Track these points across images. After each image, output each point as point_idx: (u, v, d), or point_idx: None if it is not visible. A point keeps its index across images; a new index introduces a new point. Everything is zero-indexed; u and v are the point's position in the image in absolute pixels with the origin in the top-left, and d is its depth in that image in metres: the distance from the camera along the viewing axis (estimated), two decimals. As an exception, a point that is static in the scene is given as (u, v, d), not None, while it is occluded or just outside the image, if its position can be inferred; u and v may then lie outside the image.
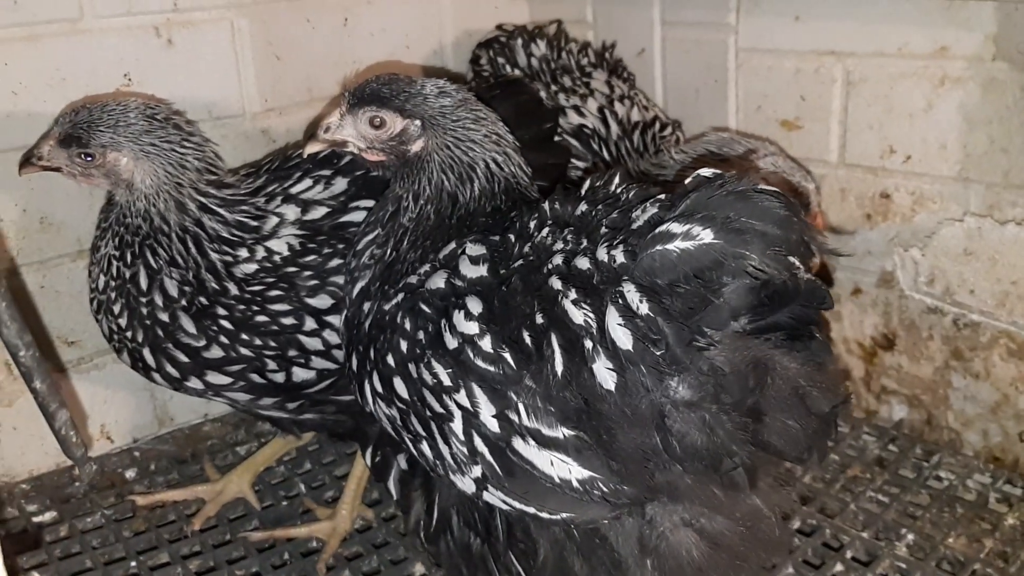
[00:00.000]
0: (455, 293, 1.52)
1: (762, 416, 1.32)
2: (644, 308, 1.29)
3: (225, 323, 2.02)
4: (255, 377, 2.08)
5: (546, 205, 1.60)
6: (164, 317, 2.02)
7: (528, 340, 1.39)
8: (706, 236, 1.26)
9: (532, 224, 1.57)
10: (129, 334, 2.06)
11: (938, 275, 2.42)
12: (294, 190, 2.13)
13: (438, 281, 1.55)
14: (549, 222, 1.56)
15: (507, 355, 1.40)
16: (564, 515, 1.45)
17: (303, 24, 2.73)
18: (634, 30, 2.95)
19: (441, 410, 1.47)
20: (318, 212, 2.10)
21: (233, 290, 2.02)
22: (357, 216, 2.08)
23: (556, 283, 1.41)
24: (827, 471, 2.43)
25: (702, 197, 1.30)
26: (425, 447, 1.54)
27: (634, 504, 1.43)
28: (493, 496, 1.48)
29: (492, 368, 1.41)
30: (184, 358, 2.05)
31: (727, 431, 1.30)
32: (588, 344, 1.33)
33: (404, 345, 1.54)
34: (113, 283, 2.06)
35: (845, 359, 2.71)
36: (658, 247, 1.28)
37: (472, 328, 1.44)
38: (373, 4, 2.86)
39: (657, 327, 1.28)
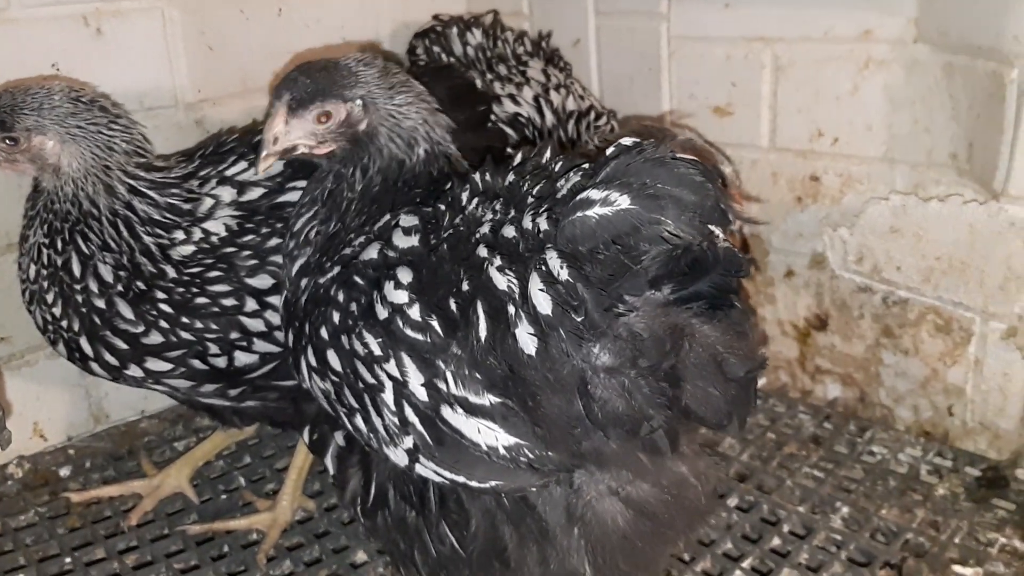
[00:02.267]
0: (387, 264, 1.52)
1: (680, 382, 1.33)
2: (564, 274, 1.30)
3: (164, 307, 1.99)
4: (196, 363, 2.05)
5: (477, 176, 1.61)
6: (100, 303, 1.98)
7: (454, 307, 1.40)
8: (623, 202, 1.27)
9: (464, 195, 1.58)
10: (64, 323, 2.02)
11: (866, 253, 2.47)
12: (229, 172, 2.11)
13: (371, 252, 1.56)
14: (480, 192, 1.57)
15: (434, 323, 1.41)
16: (493, 483, 1.45)
17: (237, 15, 2.71)
18: (569, 20, 2.98)
19: (372, 381, 1.47)
20: (255, 193, 2.09)
21: (171, 273, 2.00)
22: (294, 196, 2.06)
23: (482, 251, 1.42)
24: (764, 449, 2.48)
25: (621, 164, 1.31)
26: (359, 420, 1.54)
27: (561, 471, 1.45)
28: (425, 468, 1.49)
29: (420, 336, 1.41)
30: (123, 345, 2.01)
31: (645, 396, 1.32)
32: (511, 310, 1.34)
33: (337, 317, 1.54)
34: (45, 272, 2.02)
35: (780, 341, 2.76)
36: (578, 214, 1.30)
37: (401, 297, 1.45)
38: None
39: (576, 293, 1.29)
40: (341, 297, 1.55)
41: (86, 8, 2.44)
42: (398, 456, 1.50)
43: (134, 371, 2.06)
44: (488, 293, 1.37)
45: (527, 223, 1.40)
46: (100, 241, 1.99)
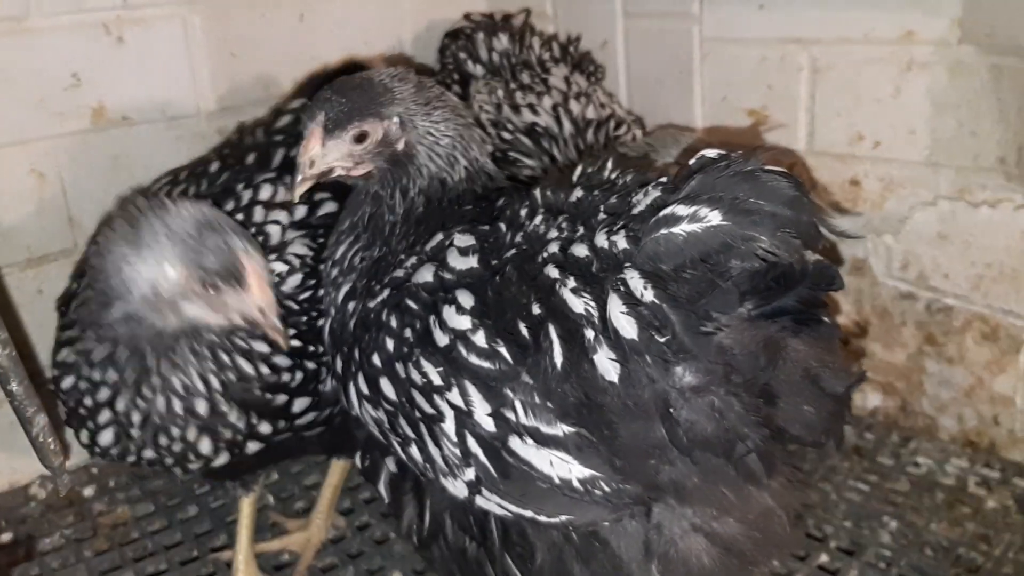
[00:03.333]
0: (444, 287, 1.45)
1: (775, 398, 1.27)
2: (649, 295, 1.24)
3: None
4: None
5: (537, 192, 1.55)
6: None
7: (524, 332, 1.33)
8: (714, 218, 1.20)
9: (523, 212, 1.52)
10: None
11: (912, 260, 2.41)
12: None
13: (425, 275, 1.49)
14: (541, 210, 1.50)
15: (502, 350, 1.34)
16: (563, 518, 1.39)
17: (258, 20, 2.66)
18: (596, 22, 2.92)
19: (432, 411, 1.41)
20: None
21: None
22: None
23: (553, 271, 1.35)
24: (806, 461, 2.42)
25: (708, 178, 1.24)
26: (414, 450, 1.48)
27: (637, 504, 1.38)
28: (488, 500, 1.42)
29: (486, 364, 1.35)
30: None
31: (738, 413, 1.25)
32: (589, 334, 1.28)
33: (391, 343, 1.48)
34: None
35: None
36: (663, 231, 1.23)
37: (464, 323, 1.38)
38: (330, 1, 2.79)
39: (663, 314, 1.23)
40: (394, 322, 1.48)
41: (107, 16, 2.39)
42: (457, 488, 1.44)
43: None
44: (562, 317, 1.31)
45: (601, 241, 1.34)
46: None
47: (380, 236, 1.66)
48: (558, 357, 1.30)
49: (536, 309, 1.34)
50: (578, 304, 1.30)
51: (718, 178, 1.24)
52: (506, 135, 2.56)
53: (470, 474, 1.40)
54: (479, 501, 1.43)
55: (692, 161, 1.31)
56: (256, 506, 2.16)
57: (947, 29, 2.21)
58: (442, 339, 1.40)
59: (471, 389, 1.36)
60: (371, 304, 1.56)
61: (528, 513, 1.40)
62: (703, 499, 1.35)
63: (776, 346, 1.25)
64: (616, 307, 1.25)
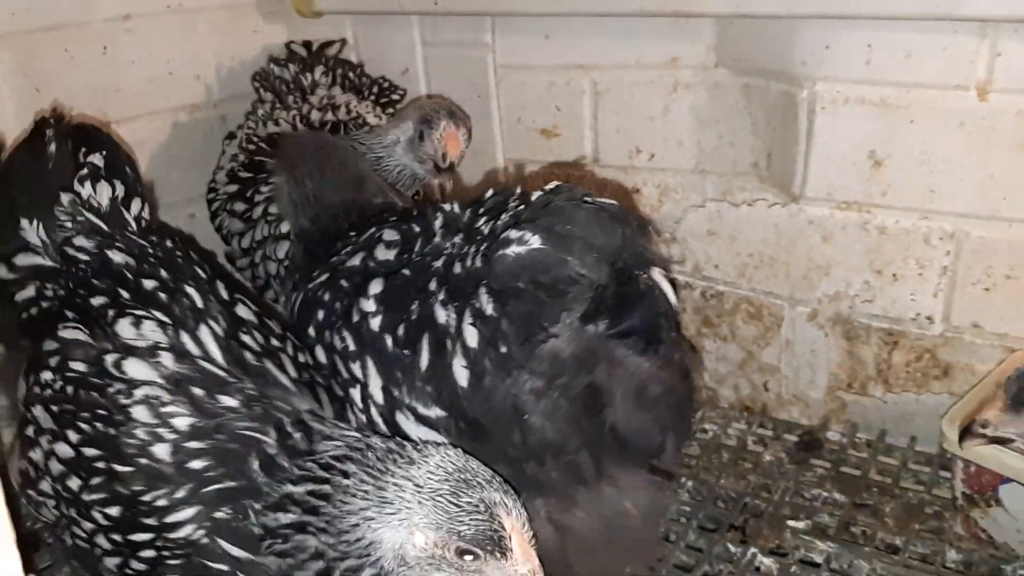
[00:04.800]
0: (367, 272, 1.63)
1: (603, 403, 1.44)
2: (489, 309, 1.41)
3: None
4: None
5: (448, 207, 1.72)
6: None
7: (404, 334, 1.51)
8: (535, 242, 1.38)
9: (436, 224, 1.68)
10: None
11: (687, 255, 2.78)
12: None
13: (355, 260, 1.67)
14: (446, 224, 1.67)
15: (388, 338, 1.51)
16: None
17: (62, 54, 2.65)
18: (396, 51, 3.11)
19: (347, 375, 1.57)
20: None
21: None
22: None
23: (432, 284, 1.53)
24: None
25: (539, 203, 1.44)
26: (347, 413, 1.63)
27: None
28: None
29: (380, 344, 1.52)
30: None
31: (566, 413, 1.42)
32: (448, 344, 1.45)
33: (322, 315, 1.64)
34: None
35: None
36: (499, 252, 1.40)
37: (370, 306, 1.56)
38: (132, 32, 2.82)
39: (499, 327, 1.40)
40: (327, 297, 1.65)
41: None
42: None
43: None
44: (432, 325, 1.48)
45: (469, 261, 1.51)
46: None
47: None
48: (424, 360, 1.47)
49: (415, 316, 1.51)
50: (443, 315, 1.47)
51: (547, 204, 1.42)
52: (251, 146, 2.76)
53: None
54: None
55: (538, 193, 1.50)
56: None
57: (705, 55, 2.59)
58: (355, 316, 1.57)
59: (369, 362, 1.53)
60: (311, 286, 1.73)
61: None
62: (558, 492, 1.50)
63: (596, 354, 1.42)
64: (467, 319, 1.43)
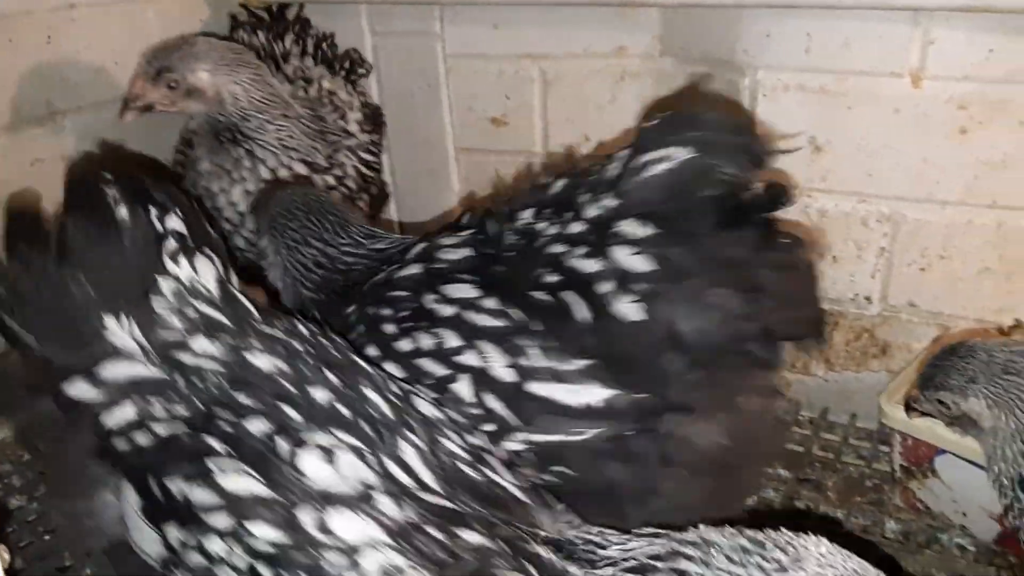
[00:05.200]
0: (438, 273, 1.65)
1: (762, 295, 1.51)
2: (645, 231, 1.48)
3: None
4: None
5: (504, 208, 1.74)
6: None
7: (542, 297, 1.55)
8: (683, 154, 1.46)
9: (495, 223, 1.72)
10: None
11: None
12: None
13: (411, 270, 1.68)
14: (530, 210, 1.69)
15: (511, 311, 1.55)
16: (590, 433, 1.55)
17: (6, 44, 2.62)
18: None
19: (445, 372, 1.57)
20: None
21: None
22: None
23: (559, 247, 1.57)
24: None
25: (667, 128, 1.51)
26: None
27: (652, 415, 1.56)
28: (512, 443, 1.57)
29: (499, 323, 1.55)
30: None
31: (739, 307, 1.48)
32: (606, 287, 1.50)
33: (389, 327, 1.63)
34: None
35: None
36: (643, 175, 1.48)
37: (470, 292, 1.59)
38: (77, 22, 2.79)
39: (661, 242, 1.47)
40: (385, 312, 1.65)
41: None
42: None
43: None
44: (577, 279, 1.53)
45: (590, 212, 1.56)
46: None
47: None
48: (582, 313, 1.51)
49: (551, 278, 1.55)
50: (592, 265, 1.52)
51: (676, 125, 1.50)
52: None
53: (489, 427, 1.55)
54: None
55: (646, 124, 1.57)
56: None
57: (651, 44, 2.64)
58: (446, 311, 1.58)
59: (486, 346, 1.55)
60: (347, 310, 1.73)
61: (555, 438, 1.55)
62: (707, 402, 1.57)
63: (751, 255, 1.51)
64: (623, 254, 1.49)
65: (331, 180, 2.72)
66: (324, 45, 3.05)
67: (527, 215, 1.69)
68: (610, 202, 1.56)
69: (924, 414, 1.91)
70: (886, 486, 2.37)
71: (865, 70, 2.27)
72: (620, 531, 1.18)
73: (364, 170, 2.83)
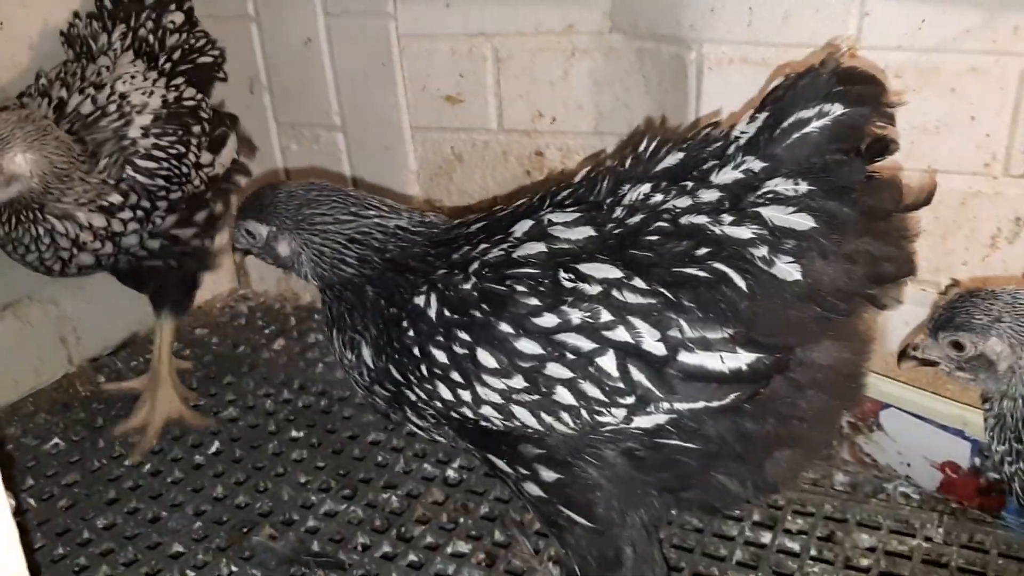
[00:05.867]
0: (565, 252, 1.66)
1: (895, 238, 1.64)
2: (803, 187, 1.55)
3: None
4: None
5: (607, 172, 1.79)
6: None
7: (696, 272, 1.59)
8: (836, 109, 1.53)
9: (604, 188, 1.77)
10: None
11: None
12: None
13: (533, 248, 1.68)
14: (626, 185, 1.73)
15: (661, 288, 1.59)
16: (732, 397, 1.62)
17: None
18: (299, 21, 3.13)
19: (593, 346, 1.60)
20: None
21: None
22: None
23: (698, 219, 1.61)
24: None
25: (810, 86, 1.56)
26: (564, 393, 1.63)
27: (781, 369, 1.64)
28: (653, 415, 1.64)
29: (651, 300, 1.59)
30: None
31: (876, 249, 1.59)
32: (761, 251, 1.57)
33: (528, 302, 1.64)
34: None
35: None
36: (796, 134, 1.55)
37: (614, 272, 1.61)
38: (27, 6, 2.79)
39: (821, 196, 1.55)
40: (520, 287, 1.65)
41: None
42: (615, 416, 1.64)
43: None
44: (730, 248, 1.58)
45: (725, 178, 1.62)
46: None
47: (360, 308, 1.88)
48: (739, 282, 1.57)
49: (701, 251, 1.59)
50: (744, 232, 1.57)
51: (817, 83, 1.56)
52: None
53: (629, 400, 1.61)
54: (638, 421, 1.64)
55: (774, 86, 1.64)
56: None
57: (600, 21, 2.70)
58: (593, 289, 1.61)
59: (637, 321, 1.58)
60: (458, 288, 1.71)
61: (699, 405, 1.62)
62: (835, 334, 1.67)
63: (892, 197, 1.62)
64: (780, 214, 1.56)
65: (116, 200, 2.51)
66: (154, 37, 2.85)
67: (643, 189, 1.70)
68: (755, 164, 1.61)
69: (924, 362, 1.94)
70: (835, 441, 2.48)
71: (804, 42, 2.35)
72: None
73: (147, 180, 2.56)
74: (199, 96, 2.82)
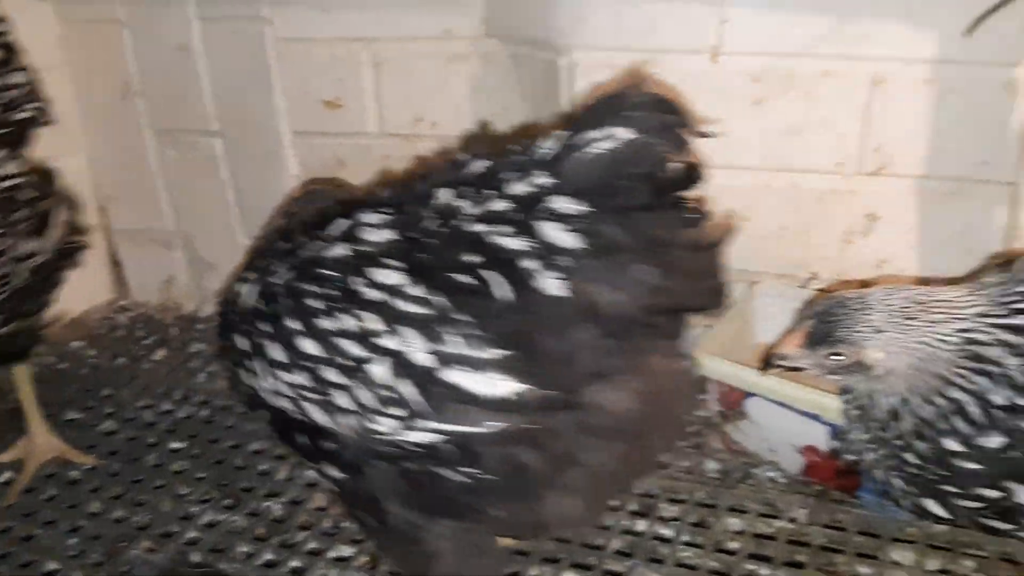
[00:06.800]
0: (365, 256, 1.65)
1: (675, 268, 1.56)
2: (581, 207, 1.51)
3: None
4: None
5: (427, 180, 1.75)
6: None
7: (463, 279, 1.55)
8: (626, 134, 1.50)
9: (420, 194, 1.73)
10: None
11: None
12: None
13: (338, 251, 1.67)
14: (441, 190, 1.70)
15: (436, 298, 1.56)
16: (499, 426, 1.58)
17: None
18: (172, 27, 3.08)
19: (363, 354, 1.59)
20: None
21: None
22: None
23: (479, 227, 1.58)
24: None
25: (608, 108, 1.54)
26: (342, 398, 1.63)
27: (562, 409, 1.59)
28: (421, 432, 1.60)
29: (422, 310, 1.56)
30: None
31: (657, 278, 1.53)
32: (530, 264, 1.52)
33: (315, 304, 1.65)
34: None
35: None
36: (582, 153, 1.52)
37: (398, 279, 1.59)
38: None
39: (596, 219, 1.51)
40: (315, 288, 1.66)
41: None
42: (386, 425, 1.62)
43: None
44: (500, 258, 1.54)
45: (516, 189, 1.58)
46: None
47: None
48: (501, 291, 1.53)
49: (472, 259, 1.56)
50: (514, 243, 1.54)
51: (616, 106, 1.54)
52: None
53: (399, 412, 1.59)
54: (409, 436, 1.61)
55: (589, 101, 1.60)
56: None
57: (476, 27, 2.75)
58: (372, 295, 1.59)
59: (407, 331, 1.56)
60: (275, 280, 1.72)
61: (467, 429, 1.58)
62: (619, 370, 1.61)
63: (674, 227, 1.57)
64: (554, 231, 1.52)
65: None
66: None
67: (446, 194, 1.69)
68: (544, 180, 1.59)
69: (792, 369, 1.99)
70: (706, 431, 2.58)
71: (669, 48, 2.45)
72: None
73: None
74: (17, 173, 2.33)
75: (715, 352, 2.41)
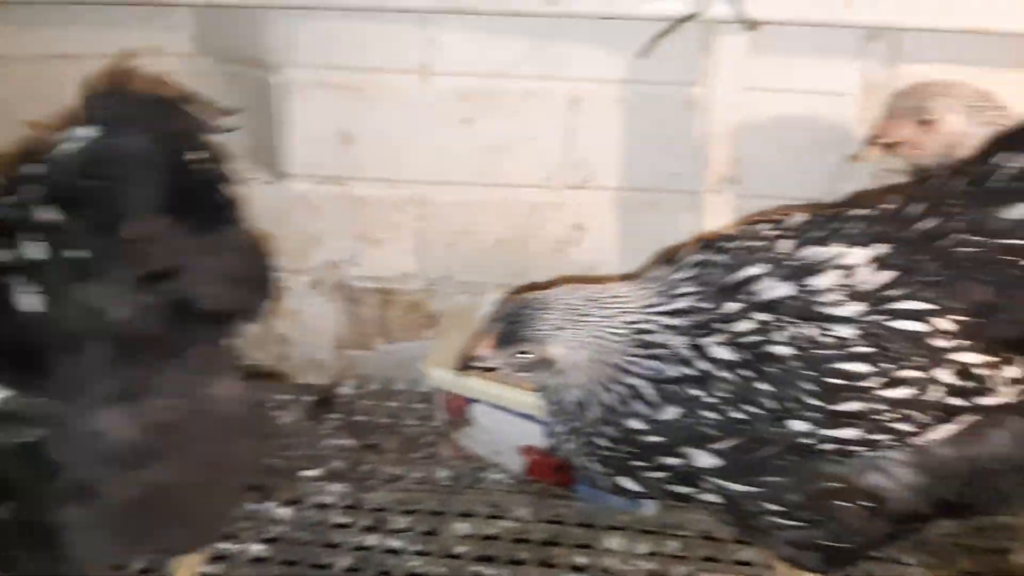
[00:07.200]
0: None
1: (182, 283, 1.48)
2: (51, 214, 1.42)
3: None
4: None
5: None
6: None
7: None
8: (88, 133, 1.44)
9: None
10: None
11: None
12: None
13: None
14: None
15: None
16: None
17: None
18: None
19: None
20: None
21: None
22: None
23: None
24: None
25: (94, 105, 1.48)
26: None
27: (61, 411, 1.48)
28: None
29: None
30: None
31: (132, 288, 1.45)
32: (12, 279, 1.42)
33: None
34: None
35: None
36: (54, 156, 1.44)
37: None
38: None
39: (72, 231, 1.43)
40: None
41: None
42: None
43: None
44: None
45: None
46: None
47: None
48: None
49: None
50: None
51: (103, 103, 1.49)
52: None
53: None
54: None
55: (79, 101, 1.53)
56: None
57: (187, 44, 2.69)
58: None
59: None
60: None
61: None
62: (127, 392, 1.49)
63: (174, 239, 1.47)
64: (28, 242, 1.41)
65: None
66: None
67: None
68: (34, 189, 1.47)
69: (487, 370, 2.01)
70: (438, 440, 2.64)
71: (381, 67, 2.51)
72: None
73: None
74: None
75: (442, 363, 2.47)
